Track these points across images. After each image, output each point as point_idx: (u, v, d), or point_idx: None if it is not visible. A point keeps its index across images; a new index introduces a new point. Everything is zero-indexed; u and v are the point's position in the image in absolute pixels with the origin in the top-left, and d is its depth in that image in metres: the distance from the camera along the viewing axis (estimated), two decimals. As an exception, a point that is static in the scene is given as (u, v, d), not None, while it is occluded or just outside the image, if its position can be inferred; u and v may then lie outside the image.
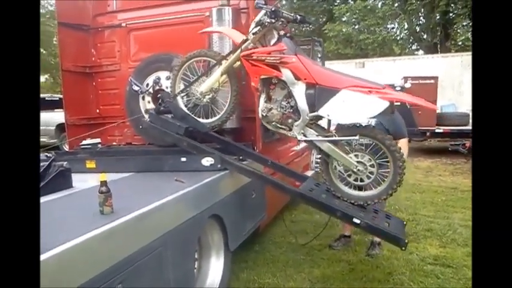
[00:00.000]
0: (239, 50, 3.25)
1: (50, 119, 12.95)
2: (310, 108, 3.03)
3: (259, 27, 3.14)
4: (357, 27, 20.30)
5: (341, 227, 4.59)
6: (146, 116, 3.95)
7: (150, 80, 4.16)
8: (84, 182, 3.04)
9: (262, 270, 3.90)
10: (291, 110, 3.14)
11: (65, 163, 2.91)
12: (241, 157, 3.70)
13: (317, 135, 3.08)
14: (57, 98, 14.15)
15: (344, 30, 19.80)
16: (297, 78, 3.04)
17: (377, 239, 4.21)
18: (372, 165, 2.97)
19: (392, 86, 10.16)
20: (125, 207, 2.15)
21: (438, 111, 11.29)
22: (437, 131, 11.08)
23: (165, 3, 4.55)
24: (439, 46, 18.29)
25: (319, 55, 6.34)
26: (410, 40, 20.74)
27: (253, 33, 3.18)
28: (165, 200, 2.39)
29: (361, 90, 2.86)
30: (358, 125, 3.01)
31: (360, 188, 3.14)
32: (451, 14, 17.55)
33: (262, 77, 3.14)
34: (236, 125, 4.11)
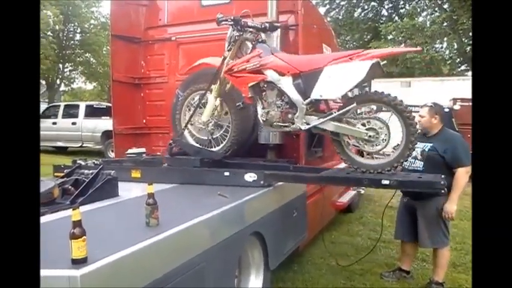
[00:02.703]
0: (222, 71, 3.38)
1: (97, 125, 13.46)
2: (303, 97, 3.07)
3: (232, 43, 3.32)
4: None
5: (399, 257, 4.28)
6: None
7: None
8: (129, 191, 3.09)
9: (301, 292, 3.78)
10: (287, 106, 3.18)
11: (112, 172, 2.96)
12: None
13: (318, 119, 3.07)
14: (104, 106, 14.72)
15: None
16: (281, 74, 3.11)
17: (439, 279, 3.79)
18: (381, 127, 2.90)
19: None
20: (169, 220, 2.13)
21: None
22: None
23: (214, 19, 4.61)
24: (490, 67, 17.55)
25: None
26: (460, 60, 20.06)
27: (228, 50, 3.36)
28: (209, 214, 2.36)
29: (342, 61, 2.92)
30: (353, 95, 3.03)
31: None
32: (504, 35, 16.83)
33: (250, 84, 3.22)
34: (279, 141, 4.07)
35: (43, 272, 1.50)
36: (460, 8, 16.75)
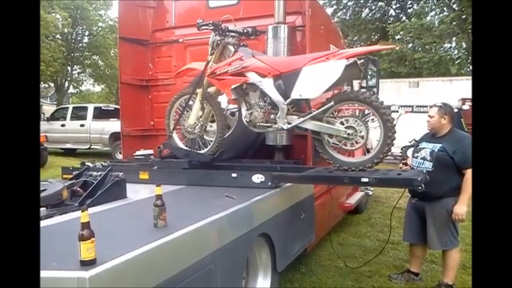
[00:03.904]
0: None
1: (105, 127, 13.52)
2: (284, 97, 3.14)
3: (214, 47, 3.39)
4: (411, 45, 19.78)
5: (409, 259, 4.23)
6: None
7: (204, 95, 4.22)
8: (137, 192, 3.10)
9: (309, 294, 3.77)
10: (270, 107, 3.24)
11: (120, 173, 2.97)
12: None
13: (299, 118, 3.13)
14: (112, 108, 14.81)
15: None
16: (262, 75, 3.18)
17: (448, 281, 3.75)
18: (360, 124, 2.97)
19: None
20: (177, 221, 2.14)
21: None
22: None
23: (221, 21, 4.62)
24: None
25: (370, 73, 6.15)
26: (469, 60, 19.91)
27: (211, 54, 3.42)
28: (217, 216, 2.36)
29: (319, 61, 3.00)
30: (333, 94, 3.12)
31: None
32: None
33: (233, 87, 3.28)
34: (287, 142, 4.07)
35: (52, 274, 1.51)
36: (469, 7, 16.60)
